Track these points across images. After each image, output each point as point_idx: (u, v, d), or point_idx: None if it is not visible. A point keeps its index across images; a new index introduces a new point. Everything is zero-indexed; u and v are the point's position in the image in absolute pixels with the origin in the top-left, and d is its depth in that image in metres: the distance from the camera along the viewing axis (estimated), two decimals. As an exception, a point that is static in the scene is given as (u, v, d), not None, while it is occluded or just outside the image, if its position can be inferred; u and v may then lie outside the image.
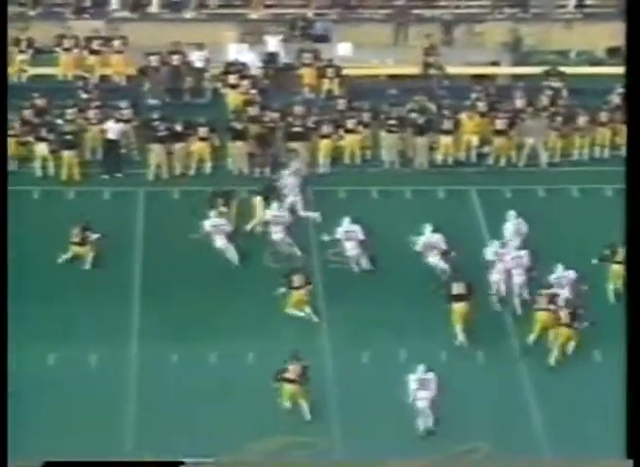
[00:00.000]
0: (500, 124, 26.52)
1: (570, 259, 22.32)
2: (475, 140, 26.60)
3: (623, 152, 25.92)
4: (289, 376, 19.93)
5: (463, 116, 26.55)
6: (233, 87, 27.55)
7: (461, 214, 24.83)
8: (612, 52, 29.47)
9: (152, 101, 27.52)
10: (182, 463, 17.18)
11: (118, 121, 25.81)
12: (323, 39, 29.72)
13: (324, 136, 26.44)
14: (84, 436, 19.26)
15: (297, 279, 22.01)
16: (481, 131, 26.63)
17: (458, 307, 21.36)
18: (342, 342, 21.46)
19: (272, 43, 28.88)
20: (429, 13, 29.95)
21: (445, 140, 26.47)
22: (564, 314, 21.07)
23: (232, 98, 27.48)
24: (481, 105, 26.79)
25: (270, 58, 28.75)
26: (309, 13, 30.14)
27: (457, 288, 21.52)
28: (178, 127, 25.84)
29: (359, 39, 29.03)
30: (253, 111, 26.62)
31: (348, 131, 26.57)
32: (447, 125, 26.43)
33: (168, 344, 21.12)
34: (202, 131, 25.79)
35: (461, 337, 21.26)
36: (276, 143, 26.27)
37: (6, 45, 25.85)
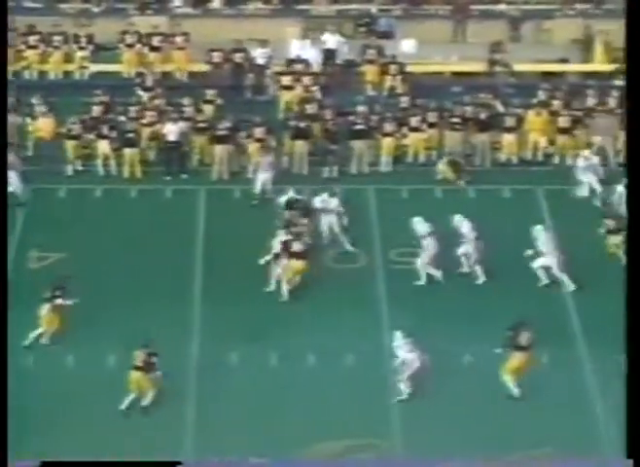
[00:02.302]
0: (563, 122, 25.92)
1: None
2: (541, 139, 26.06)
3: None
4: (135, 362, 19.53)
5: (528, 114, 26.03)
6: (287, 87, 27.15)
7: (527, 213, 24.29)
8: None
9: (213, 99, 27.36)
10: (180, 463, 16.98)
11: (178, 120, 25.63)
12: (387, 35, 29.38)
13: (386, 135, 26.08)
14: (144, 439, 19.19)
15: None
16: (548, 130, 26.07)
17: None
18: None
19: (331, 40, 28.52)
20: (496, 9, 29.41)
21: (508, 138, 25.97)
22: None
23: (287, 97, 27.09)
24: (549, 103, 26.24)
25: (328, 55, 28.39)
26: (373, 9, 29.82)
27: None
28: (236, 127, 25.62)
29: (423, 35, 28.67)
30: (313, 109, 26.35)
31: (412, 130, 26.20)
32: (510, 122, 25.94)
33: (230, 345, 20.91)
34: (258, 132, 25.48)
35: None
36: (337, 142, 25.96)
37: (6, 44, 25.74)
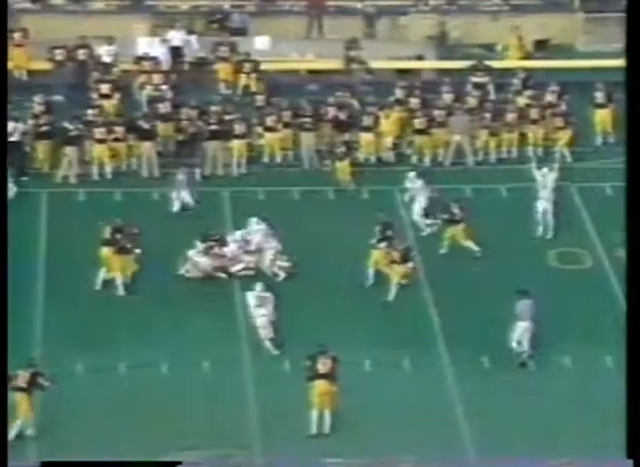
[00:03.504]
0: (418, 122, 25.45)
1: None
2: (391, 139, 25.44)
3: (556, 150, 25.28)
4: (17, 383, 18.35)
5: (381, 113, 25.50)
6: (105, 96, 25.98)
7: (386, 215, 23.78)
8: (539, 45, 28.77)
9: (57, 98, 26.08)
10: (179, 463, 16.92)
11: (20, 120, 24.50)
12: (240, 32, 28.53)
13: (240, 136, 25.18)
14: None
15: None
16: (400, 130, 25.60)
17: None
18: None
19: (177, 37, 27.46)
20: (351, 5, 28.87)
21: (366, 138, 25.38)
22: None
23: (106, 105, 25.88)
24: (406, 101, 25.81)
25: (175, 53, 27.34)
26: (225, 4, 28.92)
27: None
28: (79, 127, 24.70)
29: (277, 32, 27.97)
30: (164, 108, 25.44)
31: (267, 129, 25.37)
32: (368, 121, 25.41)
33: (76, 352, 20.21)
34: (99, 133, 24.63)
35: None
36: (190, 143, 25.11)
37: (6, 44, 24.93)
